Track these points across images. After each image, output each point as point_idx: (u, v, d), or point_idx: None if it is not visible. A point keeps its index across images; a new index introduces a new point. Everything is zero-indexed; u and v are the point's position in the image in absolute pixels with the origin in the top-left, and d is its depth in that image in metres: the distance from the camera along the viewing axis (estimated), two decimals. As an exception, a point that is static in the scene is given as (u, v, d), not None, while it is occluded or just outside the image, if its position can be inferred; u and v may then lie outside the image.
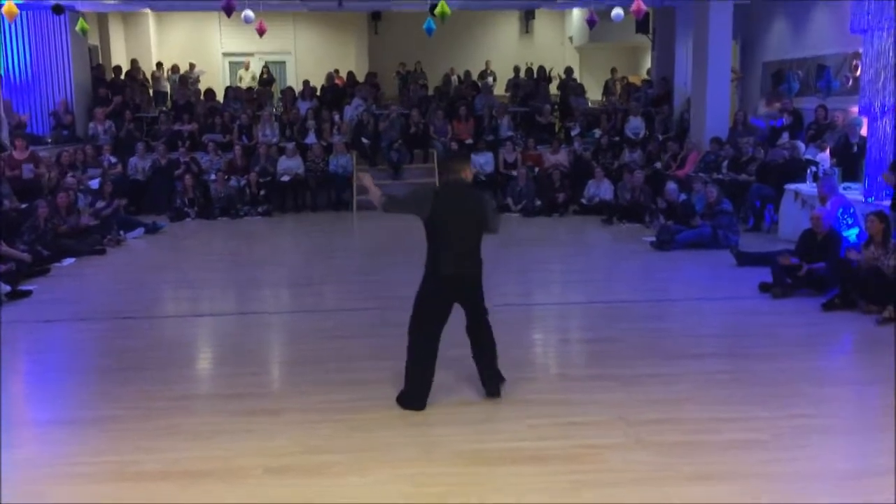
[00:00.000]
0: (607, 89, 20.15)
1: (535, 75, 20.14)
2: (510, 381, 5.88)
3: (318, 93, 18.52)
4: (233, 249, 12.54)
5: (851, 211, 9.85)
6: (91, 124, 16.55)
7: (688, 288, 9.40)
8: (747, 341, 7.19)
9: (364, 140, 16.47)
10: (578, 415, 5.50)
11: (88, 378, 6.49)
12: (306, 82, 18.60)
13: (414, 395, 5.60)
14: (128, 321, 8.12)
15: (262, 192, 15.21)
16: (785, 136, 13.55)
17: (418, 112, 17.13)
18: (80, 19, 14.73)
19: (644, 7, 12.38)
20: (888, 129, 10.14)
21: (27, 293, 9.10)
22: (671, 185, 12.47)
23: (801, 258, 8.71)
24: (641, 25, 18.56)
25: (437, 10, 11.85)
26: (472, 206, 5.59)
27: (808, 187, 11.30)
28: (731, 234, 11.15)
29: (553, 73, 20.33)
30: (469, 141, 16.56)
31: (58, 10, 14.25)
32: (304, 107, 17.46)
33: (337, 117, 17.14)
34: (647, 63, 20.88)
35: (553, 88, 20.17)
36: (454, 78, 20.89)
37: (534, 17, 23.77)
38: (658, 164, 15.18)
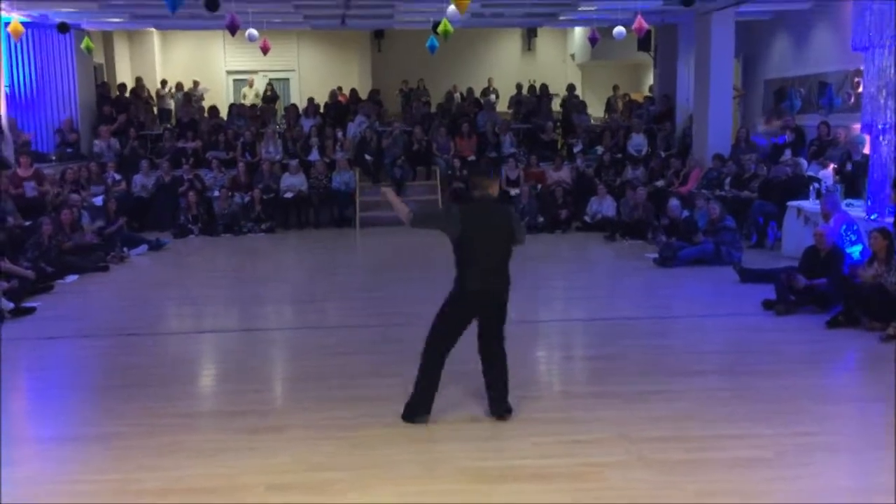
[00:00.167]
0: (609, 106, 20.21)
1: (537, 92, 20.23)
2: (514, 399, 5.85)
3: (322, 110, 18.60)
4: (236, 266, 12.57)
5: (855, 228, 9.84)
6: (95, 142, 16.63)
7: (690, 305, 9.39)
8: (750, 358, 7.17)
9: (367, 157, 16.52)
10: (581, 432, 5.49)
11: (91, 395, 6.49)
12: (311, 100, 18.69)
13: (420, 404, 5.61)
14: (131, 338, 8.13)
15: (265, 209, 15.24)
16: (787, 153, 13.57)
17: (421, 129, 17.19)
18: (86, 38, 14.84)
19: (646, 25, 12.45)
20: (890, 146, 10.15)
21: (31, 310, 9.11)
22: (674, 202, 12.48)
23: (805, 275, 8.70)
24: (643, 43, 18.62)
25: (440, 28, 11.93)
26: (499, 222, 5.60)
27: (810, 204, 11.30)
28: (734, 251, 11.15)
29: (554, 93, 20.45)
30: (472, 158, 16.59)
31: (63, 28, 14.37)
32: (307, 124, 17.53)
33: (340, 134, 17.22)
34: (649, 80, 20.95)
35: (555, 105, 20.24)
36: (457, 95, 20.99)
37: (536, 35, 23.87)
38: (660, 182, 15.19)
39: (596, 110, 20.88)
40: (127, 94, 18.86)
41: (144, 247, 13.10)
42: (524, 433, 5.48)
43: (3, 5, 12.80)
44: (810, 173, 12.56)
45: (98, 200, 14.04)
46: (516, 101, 19.99)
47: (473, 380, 5.85)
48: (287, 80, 23.21)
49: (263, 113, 18.95)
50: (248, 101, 20.29)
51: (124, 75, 20.90)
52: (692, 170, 14.82)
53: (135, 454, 5.24)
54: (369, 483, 4.79)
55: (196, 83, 20.77)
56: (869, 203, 10.49)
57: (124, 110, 17.65)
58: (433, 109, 19.63)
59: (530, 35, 23.93)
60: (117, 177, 15.46)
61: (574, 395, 6.38)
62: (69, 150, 16.43)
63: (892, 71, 9.97)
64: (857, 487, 4.75)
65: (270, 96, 20.58)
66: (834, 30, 13.79)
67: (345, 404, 6.06)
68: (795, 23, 15.01)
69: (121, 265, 12.09)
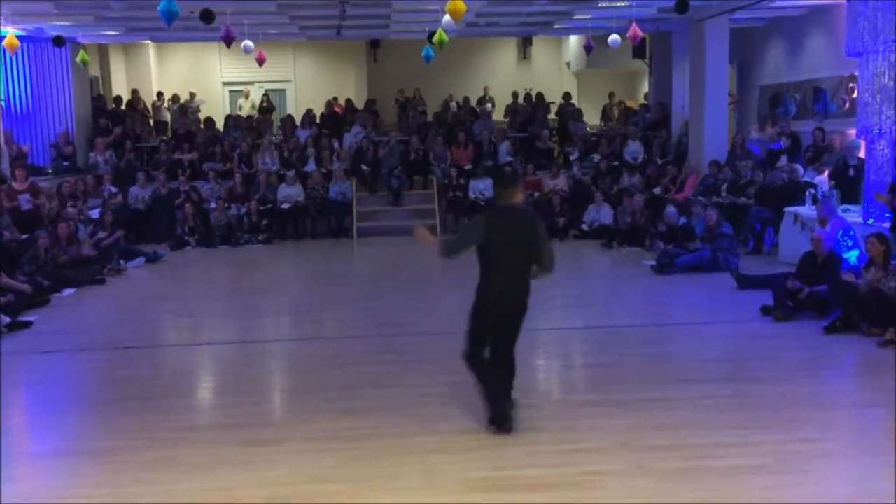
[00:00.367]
0: (605, 114, 20.25)
1: (533, 101, 20.25)
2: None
3: (318, 120, 18.61)
4: (233, 277, 12.55)
5: (851, 233, 9.86)
6: (92, 154, 16.63)
7: (688, 312, 9.38)
8: (749, 365, 7.17)
9: (364, 167, 16.53)
10: (580, 441, 5.48)
11: (89, 409, 6.47)
12: (309, 110, 18.71)
13: (498, 406, 5.60)
14: (128, 351, 8.10)
15: (262, 221, 15.23)
16: (783, 159, 13.59)
17: (417, 138, 17.21)
18: (81, 51, 14.84)
19: (640, 33, 12.46)
20: (886, 151, 10.17)
21: (27, 324, 9.08)
22: (671, 209, 12.49)
23: (802, 280, 8.70)
24: (638, 51, 18.66)
25: (436, 38, 11.94)
26: (523, 233, 5.54)
27: (807, 210, 11.31)
28: (732, 257, 11.15)
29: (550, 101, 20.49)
30: (468, 167, 16.60)
31: (59, 41, 14.36)
32: (303, 134, 17.54)
33: (336, 144, 17.23)
34: (645, 88, 21.00)
35: (551, 114, 20.27)
36: (453, 104, 21.00)
37: (531, 44, 23.92)
38: (657, 189, 15.21)
39: (592, 118, 20.90)
40: (123, 107, 18.87)
41: (141, 259, 13.07)
42: (523, 442, 5.46)
43: (-2, 19, 12.81)
44: (806, 179, 12.58)
45: (95, 213, 14.03)
46: (512, 109, 20.02)
47: (473, 390, 5.82)
48: (283, 90, 23.24)
49: (260, 124, 18.96)
50: (244, 113, 20.29)
51: (120, 88, 20.91)
52: (688, 176, 14.84)
53: (132, 468, 5.21)
54: (368, 495, 4.77)
55: (192, 95, 20.78)
56: (865, 208, 10.51)
57: (120, 123, 17.64)
58: (429, 119, 19.66)
59: (526, 44, 23.98)
60: (114, 189, 15.44)
61: (572, 403, 6.36)
62: (65, 163, 16.42)
63: (887, 76, 10.01)
64: (857, 493, 4.74)
65: (266, 107, 20.60)
66: (828, 36, 13.83)
67: (343, 416, 6.04)
68: (790, 29, 15.05)
69: (118, 278, 12.06)
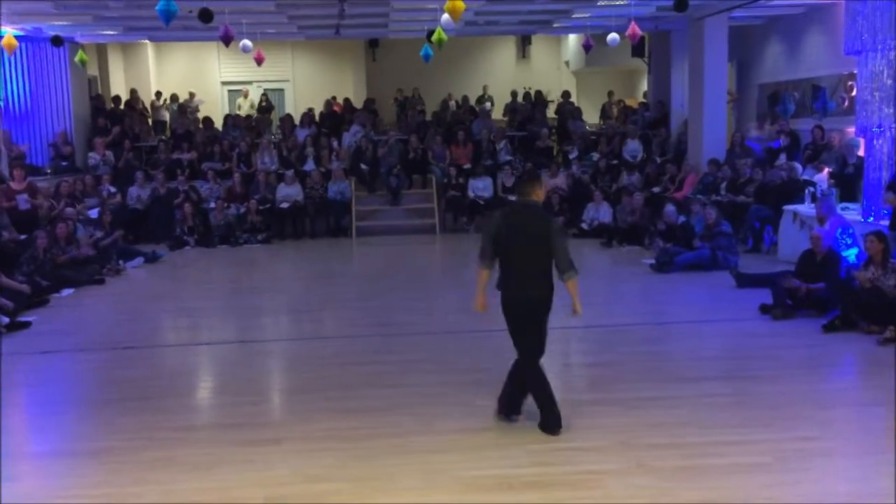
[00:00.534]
0: (604, 112, 20.24)
1: (532, 99, 20.24)
2: (511, 407, 5.83)
3: (317, 120, 18.60)
4: (232, 277, 12.55)
5: (850, 231, 9.85)
6: (90, 154, 16.61)
7: (688, 310, 9.38)
8: (748, 363, 7.17)
9: (363, 166, 16.53)
10: (579, 440, 5.48)
11: (88, 409, 6.46)
12: (310, 109, 18.70)
13: (546, 407, 5.60)
14: (127, 351, 8.10)
15: (261, 220, 15.22)
16: (782, 158, 13.58)
17: (417, 137, 17.20)
18: (80, 50, 14.84)
19: (639, 31, 12.45)
20: (885, 149, 10.17)
21: (26, 324, 9.08)
22: (670, 208, 12.49)
23: (801, 279, 8.70)
24: (637, 49, 18.65)
25: (434, 37, 11.92)
26: (538, 231, 5.54)
27: (806, 208, 11.31)
28: (731, 256, 11.15)
29: (549, 96, 20.45)
30: (467, 166, 16.60)
31: (57, 41, 14.35)
32: (302, 134, 17.52)
33: (335, 144, 17.22)
34: (644, 86, 20.99)
35: (550, 112, 20.25)
36: (452, 103, 20.99)
37: (530, 43, 23.92)
38: (657, 187, 15.20)
39: (591, 117, 20.89)
40: (121, 106, 18.84)
41: (140, 259, 13.06)
42: (521, 441, 5.46)
43: (-4, 19, 12.79)
44: (805, 177, 12.57)
45: (93, 213, 14.01)
46: (511, 108, 20.01)
47: (472, 389, 5.82)
48: (282, 90, 23.23)
49: (258, 123, 18.95)
50: (243, 112, 20.29)
51: (119, 87, 20.89)
52: (688, 175, 14.84)
53: (131, 468, 5.21)
54: (368, 495, 4.77)
55: (191, 94, 20.76)
56: (864, 206, 10.51)
57: (119, 122, 17.63)
58: (428, 118, 19.65)
59: (525, 42, 23.98)
60: (112, 189, 15.42)
61: (572, 402, 6.33)
62: (64, 163, 16.40)
63: (886, 74, 10.01)
64: (857, 492, 4.73)
65: (265, 107, 20.59)
66: (827, 34, 13.82)
67: (342, 415, 6.04)
68: (788, 27, 15.05)
69: (117, 278, 12.05)
